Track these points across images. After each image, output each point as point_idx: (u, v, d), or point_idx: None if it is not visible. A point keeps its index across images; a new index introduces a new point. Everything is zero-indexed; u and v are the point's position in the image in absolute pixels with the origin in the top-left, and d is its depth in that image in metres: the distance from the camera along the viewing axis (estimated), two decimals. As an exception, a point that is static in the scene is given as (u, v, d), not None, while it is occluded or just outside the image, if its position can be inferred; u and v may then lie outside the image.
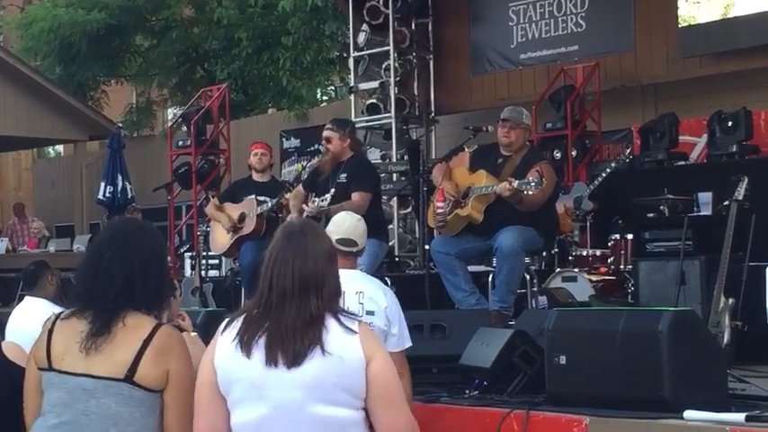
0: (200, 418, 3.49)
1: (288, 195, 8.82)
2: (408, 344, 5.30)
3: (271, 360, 3.36)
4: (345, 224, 5.41)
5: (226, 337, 3.47)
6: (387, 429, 3.43)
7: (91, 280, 3.60)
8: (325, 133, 8.31)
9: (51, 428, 3.52)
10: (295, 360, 3.35)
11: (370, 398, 3.41)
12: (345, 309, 3.55)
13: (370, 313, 5.18)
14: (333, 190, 8.00)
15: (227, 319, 3.53)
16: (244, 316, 3.47)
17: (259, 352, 3.37)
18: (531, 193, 7.30)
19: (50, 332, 3.60)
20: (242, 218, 9.48)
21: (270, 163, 9.91)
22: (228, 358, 3.43)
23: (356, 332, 3.42)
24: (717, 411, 4.77)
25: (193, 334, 4.16)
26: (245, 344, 3.39)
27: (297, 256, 3.42)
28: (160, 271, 3.67)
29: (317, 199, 7.99)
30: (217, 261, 12.66)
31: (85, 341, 3.50)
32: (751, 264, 6.95)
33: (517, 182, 7.33)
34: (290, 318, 3.37)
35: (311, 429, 3.39)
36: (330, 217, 6.50)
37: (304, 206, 8.10)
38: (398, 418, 3.46)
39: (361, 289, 5.24)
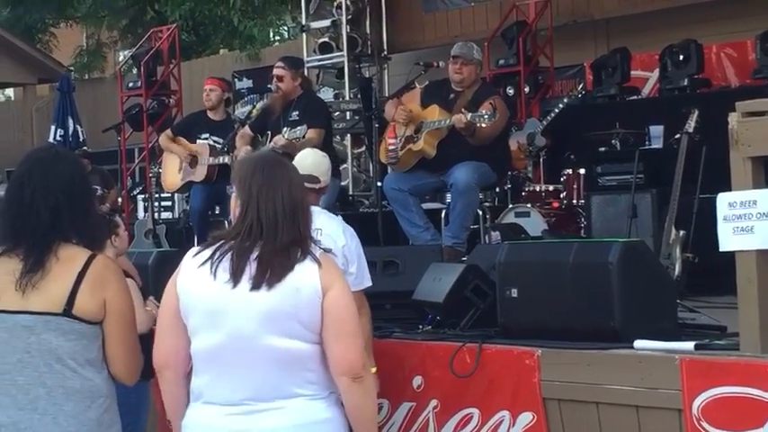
0: (161, 342, 3.54)
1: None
2: (368, 283, 5.25)
3: (255, 284, 3.36)
4: (309, 160, 5.35)
5: (193, 265, 3.47)
6: (338, 360, 3.42)
7: (16, 217, 3.51)
8: (277, 71, 8.16)
9: None
10: (276, 279, 3.35)
11: (324, 327, 3.40)
12: (315, 239, 3.56)
13: (327, 251, 5.13)
14: (286, 128, 7.92)
15: (197, 248, 3.53)
16: (219, 246, 3.45)
17: (243, 277, 3.38)
18: (483, 125, 7.28)
19: None
20: (194, 162, 9.36)
21: (221, 98, 9.63)
22: (193, 285, 3.45)
23: (318, 263, 3.42)
24: (666, 341, 4.80)
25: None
26: (235, 272, 3.38)
27: (283, 184, 3.46)
28: (84, 197, 3.59)
29: (287, 130, 7.84)
30: (170, 203, 12.55)
31: (21, 279, 3.44)
32: (701, 196, 6.96)
33: (470, 114, 7.30)
34: (281, 240, 3.40)
35: (265, 360, 3.39)
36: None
37: (277, 139, 7.87)
38: (350, 349, 3.43)
39: (319, 226, 5.19)
